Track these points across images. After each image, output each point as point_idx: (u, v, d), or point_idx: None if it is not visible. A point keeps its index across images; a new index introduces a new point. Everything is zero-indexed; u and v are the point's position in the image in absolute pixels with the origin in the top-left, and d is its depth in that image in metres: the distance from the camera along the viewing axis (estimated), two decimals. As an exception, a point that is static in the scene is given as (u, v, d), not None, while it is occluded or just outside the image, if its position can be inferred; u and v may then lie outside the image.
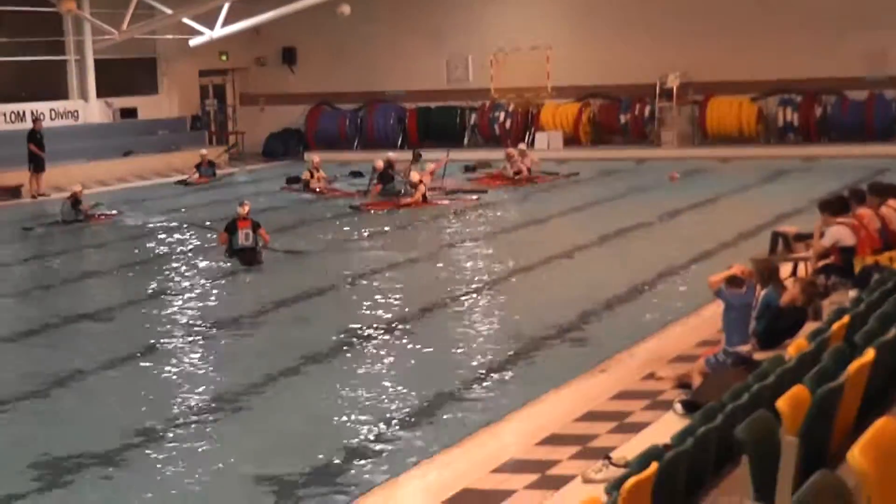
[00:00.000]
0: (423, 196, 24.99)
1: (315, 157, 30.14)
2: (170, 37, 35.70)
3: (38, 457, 10.22)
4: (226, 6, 33.34)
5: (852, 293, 11.71)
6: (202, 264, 19.59)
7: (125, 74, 36.25)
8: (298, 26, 36.84)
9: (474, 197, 26.08)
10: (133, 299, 16.85)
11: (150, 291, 17.36)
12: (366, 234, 22.09)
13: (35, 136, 28.77)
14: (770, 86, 33.55)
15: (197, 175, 31.23)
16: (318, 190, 27.90)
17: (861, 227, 13.02)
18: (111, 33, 32.53)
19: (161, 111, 37.19)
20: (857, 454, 4.97)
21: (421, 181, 25.18)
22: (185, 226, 23.37)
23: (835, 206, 13.60)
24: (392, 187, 26.35)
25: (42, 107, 33.07)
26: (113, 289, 18.13)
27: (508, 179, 28.28)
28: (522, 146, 29.84)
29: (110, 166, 32.80)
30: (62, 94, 34.48)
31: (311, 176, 28.33)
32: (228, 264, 18.99)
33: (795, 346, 8.74)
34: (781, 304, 10.90)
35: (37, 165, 28.68)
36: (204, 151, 32.46)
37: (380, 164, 26.79)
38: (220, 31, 34.52)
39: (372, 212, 24.50)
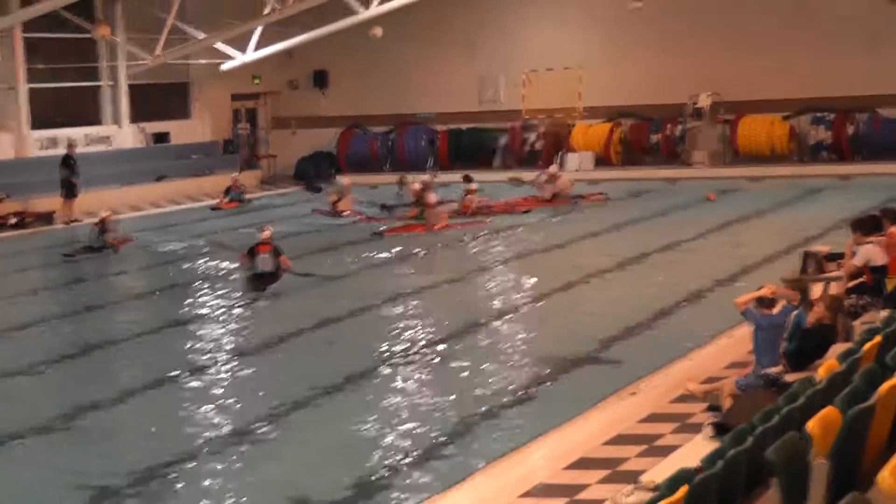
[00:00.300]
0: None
1: (346, 179, 30.12)
2: (202, 61, 35.90)
3: (66, 484, 10.25)
4: (258, 30, 33.51)
5: (884, 313, 11.60)
6: (226, 289, 19.58)
7: (158, 99, 36.46)
8: (330, 49, 36.98)
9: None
10: (155, 326, 16.85)
11: (175, 317, 17.34)
12: (393, 256, 22.07)
13: (69, 162, 28.92)
14: (802, 104, 33.39)
15: (226, 199, 31.32)
16: (343, 212, 27.94)
17: (893, 246, 12.89)
18: (144, 59, 32.78)
19: (193, 135, 37.35)
20: (887, 477, 4.91)
21: (428, 202, 25.16)
22: (207, 248, 23.51)
23: (867, 226, 13.49)
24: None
25: (76, 132, 33.25)
26: (138, 313, 18.13)
27: (544, 201, 28.10)
28: (553, 168, 29.68)
29: (143, 191, 32.96)
30: (96, 120, 34.70)
31: (338, 199, 28.37)
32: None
33: (826, 368, 8.66)
34: (808, 324, 10.79)
35: (69, 191, 28.80)
36: (235, 175, 32.64)
37: (416, 186, 26.74)
38: (252, 54, 34.70)
39: (400, 235, 24.30)
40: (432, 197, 25.94)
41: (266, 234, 19.51)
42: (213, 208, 30.95)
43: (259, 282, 18.84)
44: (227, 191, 31.55)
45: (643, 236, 23.06)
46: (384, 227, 25.53)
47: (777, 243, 20.66)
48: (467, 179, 28.58)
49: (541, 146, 35.95)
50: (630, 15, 31.87)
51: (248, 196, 32.09)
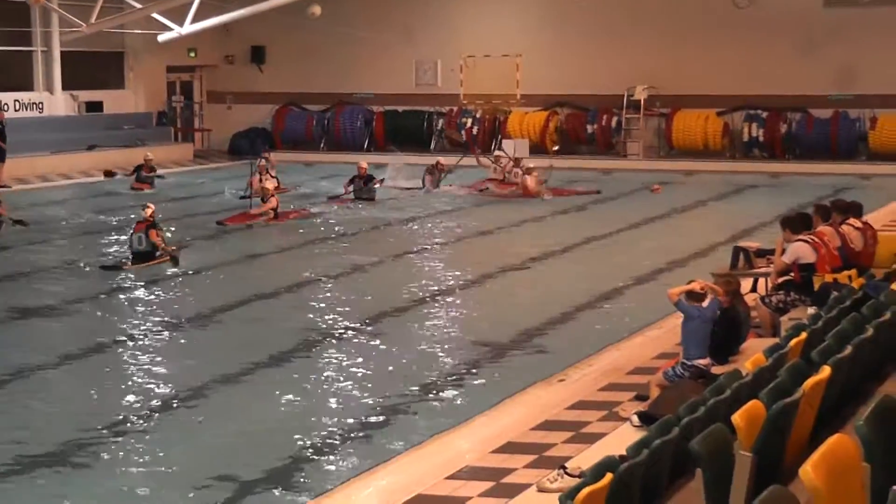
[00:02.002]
0: (275, 210, 23.48)
1: (271, 157, 29.11)
2: (138, 31, 35.51)
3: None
4: (196, 3, 33.18)
5: (811, 310, 11.78)
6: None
7: (92, 68, 36.07)
8: (268, 25, 36.77)
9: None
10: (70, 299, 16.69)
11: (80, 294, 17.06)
12: (329, 238, 22.06)
13: None
14: (737, 101, 33.80)
15: (134, 179, 28.93)
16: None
17: (822, 244, 13.08)
18: (79, 26, 32.32)
19: (127, 106, 37.00)
20: (809, 470, 4.99)
21: (273, 194, 23.77)
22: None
23: (796, 223, 13.66)
24: (366, 191, 26.30)
25: (6, 97, 32.88)
26: (64, 285, 17.82)
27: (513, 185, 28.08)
28: (499, 153, 29.75)
29: (74, 159, 32.58)
30: (27, 86, 34.21)
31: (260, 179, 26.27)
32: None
33: (752, 361, 8.79)
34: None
35: None
36: (148, 155, 29.86)
37: (364, 165, 26.93)
38: (189, 27, 34.36)
39: (228, 225, 22.74)
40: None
41: (148, 212, 18.96)
42: (111, 174, 30.45)
43: (135, 261, 18.46)
44: (137, 170, 29.05)
45: (576, 226, 23.23)
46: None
47: (708, 237, 20.88)
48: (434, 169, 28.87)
49: (477, 131, 35.99)
50: (570, 5, 32.02)
51: (160, 174, 29.72)
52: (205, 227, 22.68)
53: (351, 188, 26.71)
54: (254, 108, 38.76)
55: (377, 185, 26.95)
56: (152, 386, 12.16)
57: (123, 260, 18.84)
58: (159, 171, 29.85)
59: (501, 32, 35.98)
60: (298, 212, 24.54)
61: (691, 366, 10.50)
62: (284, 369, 12.80)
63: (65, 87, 34.70)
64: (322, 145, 37.50)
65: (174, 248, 19.24)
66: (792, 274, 12.98)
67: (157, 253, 18.66)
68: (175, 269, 18.35)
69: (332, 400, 11.57)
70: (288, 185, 28.08)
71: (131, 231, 19.11)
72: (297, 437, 10.44)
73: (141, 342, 14.02)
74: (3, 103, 31.31)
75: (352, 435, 10.56)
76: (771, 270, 13.90)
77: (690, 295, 10.74)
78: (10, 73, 33.90)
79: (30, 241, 21.14)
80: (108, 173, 30.55)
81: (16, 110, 33.00)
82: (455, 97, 36.62)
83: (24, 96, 33.74)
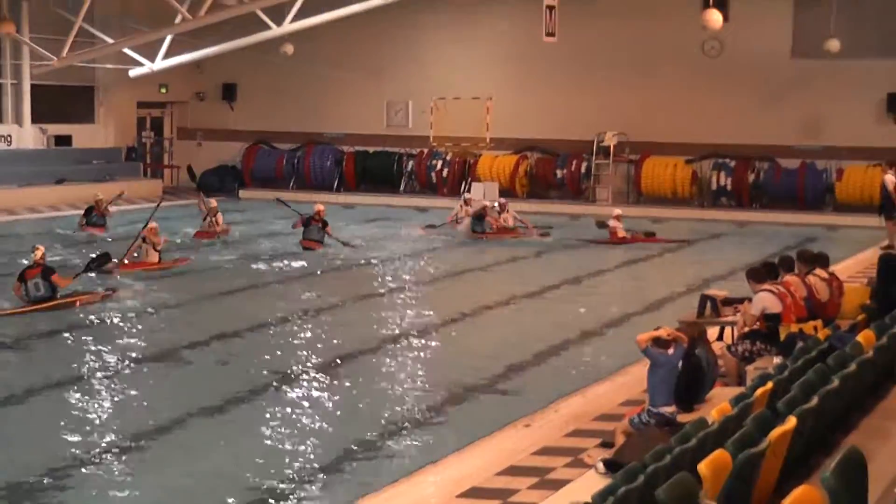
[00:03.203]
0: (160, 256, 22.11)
1: (212, 201, 27.35)
2: (109, 66, 35.48)
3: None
4: (168, 39, 33.20)
5: (777, 360, 11.82)
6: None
7: (61, 101, 35.99)
8: (240, 63, 36.83)
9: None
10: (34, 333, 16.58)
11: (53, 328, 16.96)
12: (291, 278, 22.02)
13: None
14: (705, 149, 34.05)
15: (85, 223, 26.93)
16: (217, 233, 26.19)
17: (787, 294, 13.14)
18: (49, 59, 32.26)
19: (96, 140, 36.92)
20: (775, 522, 5.00)
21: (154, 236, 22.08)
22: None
23: (761, 274, 13.72)
24: (310, 233, 25.16)
25: (-26, 130, 32.79)
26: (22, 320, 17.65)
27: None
28: (503, 200, 29.33)
29: (42, 193, 32.45)
30: (-4, 118, 34.18)
31: (204, 219, 26.41)
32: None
33: (719, 410, 8.80)
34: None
35: None
36: (100, 196, 27.62)
37: (320, 207, 25.71)
38: (160, 63, 34.35)
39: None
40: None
41: (38, 254, 17.99)
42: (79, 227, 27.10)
43: (33, 307, 17.46)
44: (89, 211, 27.11)
45: (545, 270, 23.26)
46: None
47: (676, 285, 20.96)
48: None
49: (447, 173, 36.08)
50: (541, 49, 32.17)
51: (109, 214, 27.39)
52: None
53: (302, 230, 25.34)
54: (224, 146, 38.74)
55: (328, 234, 25.36)
56: (108, 426, 12.05)
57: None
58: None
59: (472, 75, 36.14)
60: (181, 260, 22.58)
61: (657, 413, 10.49)
62: (243, 411, 12.70)
63: (34, 120, 34.63)
64: (292, 184, 37.46)
65: (81, 296, 18.19)
66: (758, 323, 13.02)
67: (58, 296, 17.72)
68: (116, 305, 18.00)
69: (293, 443, 11.45)
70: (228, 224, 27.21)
71: (21, 277, 17.77)
72: (249, 480, 10.33)
73: (98, 382, 13.90)
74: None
75: (311, 479, 10.47)
76: (738, 319, 13.94)
77: (657, 342, 10.75)
78: (-22, 105, 33.80)
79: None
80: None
81: (-16, 143, 32.93)
82: (425, 139, 36.69)
83: (-9, 129, 33.67)
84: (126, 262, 21.38)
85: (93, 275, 19.86)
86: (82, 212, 27.37)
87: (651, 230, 28.21)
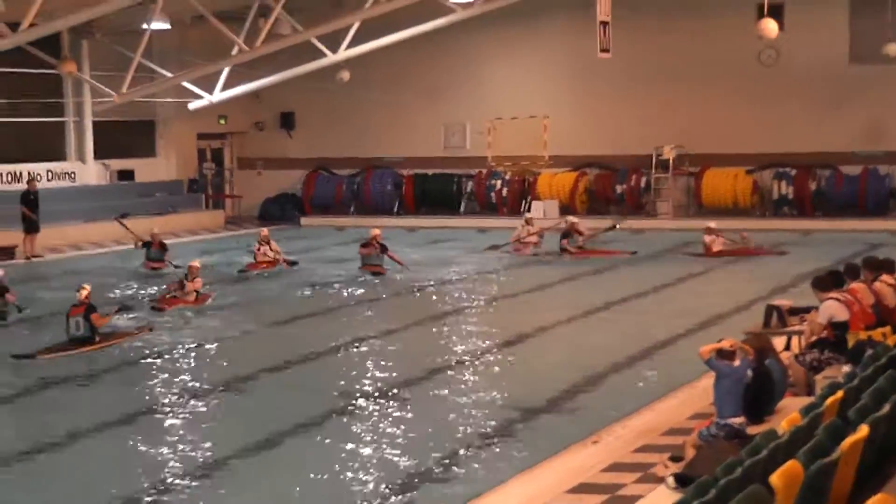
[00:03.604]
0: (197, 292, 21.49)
1: (263, 230, 27.25)
2: (169, 100, 35.87)
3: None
4: (226, 71, 33.51)
5: (846, 368, 11.69)
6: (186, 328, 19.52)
7: (123, 136, 36.37)
8: (297, 91, 37.07)
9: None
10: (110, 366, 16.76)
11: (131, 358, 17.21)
12: (358, 302, 22.11)
13: (28, 198, 28.79)
14: (765, 159, 33.83)
15: (144, 258, 26.25)
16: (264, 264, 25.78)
17: (854, 302, 13.01)
18: (110, 95, 32.67)
19: (158, 174, 37.33)
20: (850, 532, 4.95)
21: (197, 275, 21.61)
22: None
23: (826, 282, 13.60)
24: (370, 259, 25.01)
25: (39, 168, 33.28)
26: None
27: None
28: (573, 219, 29.02)
29: (106, 228, 32.77)
30: (60, 156, 34.63)
31: (258, 249, 26.01)
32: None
33: (788, 421, 8.71)
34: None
35: (29, 227, 28.68)
36: (156, 230, 27.31)
37: (376, 232, 25.57)
38: (219, 94, 34.66)
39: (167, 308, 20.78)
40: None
41: (83, 294, 17.68)
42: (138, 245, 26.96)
43: (71, 347, 17.18)
44: (146, 246, 26.35)
45: (608, 286, 23.16)
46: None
47: (740, 296, 20.81)
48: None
49: (507, 193, 36.10)
50: (596, 65, 32.11)
51: (167, 249, 26.55)
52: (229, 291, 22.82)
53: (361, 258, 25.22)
54: (284, 174, 39.03)
55: (386, 255, 25.17)
56: (176, 456, 12.15)
57: (57, 346, 17.32)
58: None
59: (528, 94, 36.17)
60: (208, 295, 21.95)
61: (725, 424, 10.41)
62: (309, 438, 12.73)
63: (96, 156, 35.10)
64: (352, 209, 37.65)
65: (130, 332, 18.22)
66: (825, 332, 12.90)
67: (97, 338, 17.45)
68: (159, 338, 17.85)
69: (365, 467, 11.51)
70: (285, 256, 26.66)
71: (66, 315, 17.59)
72: (331, 501, 10.39)
73: (170, 411, 14.04)
74: (35, 174, 31.65)
75: (387, 498, 10.50)
76: (804, 328, 13.81)
77: (721, 353, 10.69)
78: (43, 143, 34.26)
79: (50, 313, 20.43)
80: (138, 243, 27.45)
81: (48, 180, 33.38)
82: (484, 159, 36.76)
83: (56, 166, 34.15)
84: (167, 296, 21.23)
85: (129, 315, 19.62)
86: (142, 248, 26.58)
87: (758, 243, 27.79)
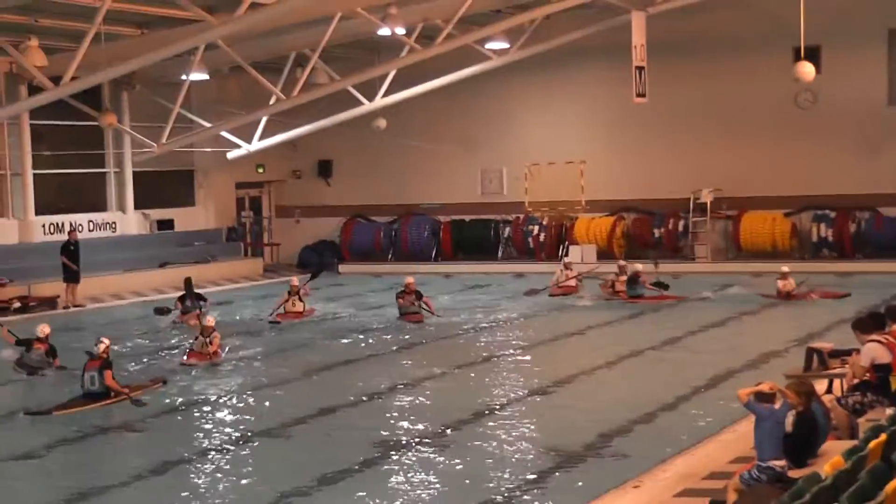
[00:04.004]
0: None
1: (294, 279, 27.40)
2: (207, 150, 36.19)
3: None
4: (263, 120, 33.79)
5: (889, 411, 11.60)
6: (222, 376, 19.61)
7: (163, 186, 36.74)
8: (334, 140, 37.36)
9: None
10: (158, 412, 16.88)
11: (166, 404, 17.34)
12: (395, 347, 22.15)
13: (68, 248, 29.11)
14: (803, 201, 33.73)
15: (179, 311, 26.02)
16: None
17: (896, 344, 12.92)
18: (150, 146, 32.99)
19: (197, 223, 37.63)
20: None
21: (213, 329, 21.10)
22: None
23: (866, 324, 13.51)
24: (405, 308, 25.16)
25: (81, 218, 33.64)
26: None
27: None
28: (623, 262, 29.21)
29: (146, 277, 33.08)
30: (101, 206, 34.99)
31: (287, 299, 26.08)
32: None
33: (831, 465, 8.65)
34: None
35: (69, 277, 28.99)
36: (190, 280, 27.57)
37: (410, 280, 25.81)
38: (257, 144, 34.93)
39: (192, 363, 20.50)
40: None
41: (101, 347, 17.34)
42: (165, 311, 26.61)
43: (85, 401, 16.90)
44: (183, 299, 26.27)
45: (647, 330, 23.13)
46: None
47: (781, 339, 20.71)
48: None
49: (544, 238, 36.12)
50: (632, 110, 32.20)
51: (207, 305, 26.41)
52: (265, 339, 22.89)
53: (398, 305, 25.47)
54: (322, 221, 39.26)
55: (425, 304, 25.28)
56: (231, 497, 12.19)
57: (71, 401, 17.00)
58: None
59: (565, 139, 36.29)
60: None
61: (767, 468, 10.34)
62: (352, 483, 12.70)
63: (137, 206, 35.45)
64: (390, 256, 37.77)
65: (132, 389, 17.46)
66: (867, 374, 12.81)
67: (111, 394, 17.09)
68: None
69: (407, 511, 11.53)
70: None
71: (83, 368, 17.38)
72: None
73: (211, 458, 14.09)
74: (76, 224, 31.97)
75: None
76: (846, 371, 13.72)
77: (760, 396, 10.64)
78: (84, 194, 34.67)
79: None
80: (161, 311, 26.85)
81: (90, 231, 33.71)
82: (521, 205, 36.87)
83: (97, 217, 34.50)
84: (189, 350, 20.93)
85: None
86: (177, 300, 26.49)
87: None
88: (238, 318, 26.76)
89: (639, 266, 28.30)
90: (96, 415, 16.67)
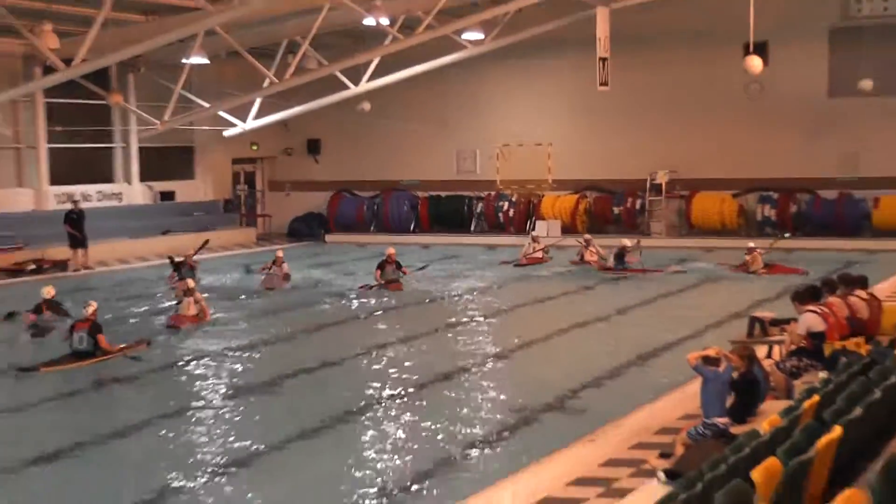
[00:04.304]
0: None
1: (279, 251, 26.52)
2: (206, 128, 36.02)
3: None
4: (258, 101, 33.67)
5: (822, 374, 11.69)
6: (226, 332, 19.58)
7: (165, 161, 36.52)
8: (323, 120, 37.24)
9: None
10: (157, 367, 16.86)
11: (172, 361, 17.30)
12: (375, 312, 22.14)
13: (70, 216, 28.89)
14: (750, 183, 33.82)
15: (176, 279, 24.39)
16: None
17: (831, 314, 13.02)
18: (154, 124, 32.84)
19: (196, 195, 37.47)
20: (824, 522, 4.96)
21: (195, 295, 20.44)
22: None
23: (805, 296, 13.62)
24: (387, 275, 24.79)
25: (90, 189, 33.50)
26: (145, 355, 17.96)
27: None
28: (588, 236, 29.11)
29: (150, 243, 32.96)
30: (108, 178, 34.82)
31: (270, 268, 25.40)
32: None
33: (769, 422, 8.72)
34: (732, 377, 10.89)
35: (73, 242, 28.77)
36: (191, 251, 26.65)
37: (391, 251, 25.37)
38: (251, 123, 34.82)
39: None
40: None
41: (89, 310, 17.09)
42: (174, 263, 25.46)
43: (72, 360, 16.60)
44: (177, 268, 25.14)
45: (607, 298, 23.17)
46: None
47: (726, 308, 20.80)
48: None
49: (513, 213, 36.14)
50: (596, 98, 32.16)
51: (197, 266, 26.05)
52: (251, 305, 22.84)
53: (380, 274, 24.94)
54: (310, 195, 39.16)
55: (404, 273, 25.15)
56: (230, 444, 12.22)
57: (60, 358, 16.73)
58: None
59: (534, 123, 36.27)
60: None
61: (711, 424, 10.43)
62: (339, 432, 12.78)
63: (142, 178, 35.31)
64: (372, 228, 37.73)
65: (127, 346, 17.33)
66: (804, 342, 12.91)
67: (97, 353, 16.77)
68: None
69: (383, 458, 11.56)
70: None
71: (71, 328, 17.18)
72: (351, 490, 10.43)
73: (211, 408, 14.10)
74: (79, 194, 31.72)
75: (401, 491, 10.53)
76: (785, 338, 13.82)
77: (707, 360, 10.73)
78: (93, 167, 34.46)
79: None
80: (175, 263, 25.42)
81: (98, 200, 33.61)
82: (492, 183, 36.88)
83: (105, 188, 34.35)
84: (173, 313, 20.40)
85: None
86: (171, 268, 25.48)
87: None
88: (226, 282, 26.60)
89: (627, 242, 27.96)
90: (116, 367, 16.67)
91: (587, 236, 29.14)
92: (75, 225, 28.82)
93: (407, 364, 16.63)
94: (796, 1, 32.09)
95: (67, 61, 25.12)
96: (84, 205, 30.61)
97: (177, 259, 25.67)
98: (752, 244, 27.37)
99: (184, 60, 31.03)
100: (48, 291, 19.98)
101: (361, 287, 24.76)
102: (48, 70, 28.92)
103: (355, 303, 23.07)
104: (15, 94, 29.87)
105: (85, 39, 24.57)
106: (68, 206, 30.14)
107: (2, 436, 13.28)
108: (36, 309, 19.85)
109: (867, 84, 31.07)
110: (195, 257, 26.56)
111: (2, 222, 30.10)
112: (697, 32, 33.61)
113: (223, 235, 35.48)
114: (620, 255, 27.29)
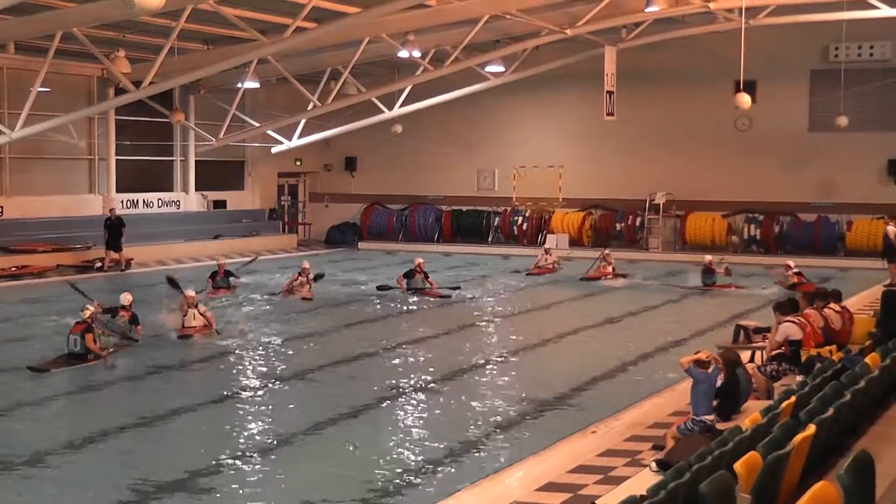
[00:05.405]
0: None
1: (305, 263, 24.68)
2: (256, 144, 36.12)
3: (132, 480, 10.26)
4: (302, 122, 33.78)
5: (799, 378, 11.66)
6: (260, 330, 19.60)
7: (218, 173, 36.62)
8: (359, 140, 37.30)
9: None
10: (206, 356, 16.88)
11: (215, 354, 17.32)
12: (400, 313, 22.11)
13: (107, 222, 28.60)
14: (738, 206, 33.73)
15: (211, 286, 23.23)
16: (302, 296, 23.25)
17: (807, 324, 12.97)
18: (210, 140, 33.00)
19: (245, 204, 37.57)
20: (798, 511, 4.95)
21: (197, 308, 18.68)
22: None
23: (785, 307, 13.58)
24: (415, 283, 24.28)
25: (152, 197, 33.66)
26: (183, 349, 17.87)
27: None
28: (608, 251, 28.30)
29: (203, 246, 33.09)
30: (168, 187, 34.93)
31: (296, 279, 23.70)
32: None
33: (751, 420, 8.70)
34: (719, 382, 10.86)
35: (108, 245, 28.35)
36: (222, 260, 25.58)
37: (420, 261, 24.85)
38: (296, 141, 34.94)
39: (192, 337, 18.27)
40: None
41: (86, 314, 15.96)
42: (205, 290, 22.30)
43: (68, 361, 15.55)
44: (213, 276, 23.85)
45: (608, 305, 23.10)
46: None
47: (714, 317, 20.73)
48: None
49: (526, 227, 36.13)
50: (603, 126, 32.10)
51: (236, 281, 24.32)
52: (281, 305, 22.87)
53: (405, 282, 24.21)
54: (346, 207, 39.22)
55: (430, 283, 24.28)
56: (253, 432, 12.24)
57: (59, 359, 15.73)
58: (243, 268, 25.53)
59: (547, 148, 36.25)
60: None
61: (700, 421, 10.40)
62: (363, 421, 12.74)
63: (197, 188, 35.39)
64: (400, 237, 37.75)
65: (108, 351, 16.08)
66: (783, 348, 12.86)
67: (90, 356, 15.69)
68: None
69: (404, 444, 11.54)
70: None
71: (69, 331, 16.10)
72: (372, 474, 10.43)
73: (249, 396, 14.14)
74: (113, 206, 30.94)
75: (418, 474, 10.52)
76: (766, 345, 13.77)
77: (698, 363, 10.69)
78: (154, 177, 34.61)
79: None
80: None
81: (158, 207, 33.77)
82: (509, 199, 36.88)
83: (164, 196, 34.47)
84: (183, 326, 18.53)
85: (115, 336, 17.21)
86: (208, 276, 24.03)
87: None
88: (267, 282, 26.36)
89: (710, 258, 26.32)
90: (167, 354, 16.71)
91: (607, 251, 28.52)
92: (111, 230, 28.59)
93: (429, 359, 16.58)
94: (782, 45, 31.98)
95: (137, 83, 25.28)
96: (145, 210, 30.65)
97: (175, 278, 22.11)
98: (790, 262, 25.83)
99: (238, 85, 31.21)
100: (126, 298, 18.08)
101: (380, 288, 24.55)
102: (120, 91, 29.03)
103: (382, 304, 23.00)
104: (90, 112, 30.24)
105: (153, 65, 24.74)
106: (140, 210, 30.04)
107: (73, 416, 13.38)
108: (112, 311, 17.81)
109: (843, 121, 30.91)
110: (233, 268, 25.16)
111: (75, 225, 30.24)
112: (693, 71, 33.58)
113: (268, 240, 35.57)
114: (708, 271, 25.71)
